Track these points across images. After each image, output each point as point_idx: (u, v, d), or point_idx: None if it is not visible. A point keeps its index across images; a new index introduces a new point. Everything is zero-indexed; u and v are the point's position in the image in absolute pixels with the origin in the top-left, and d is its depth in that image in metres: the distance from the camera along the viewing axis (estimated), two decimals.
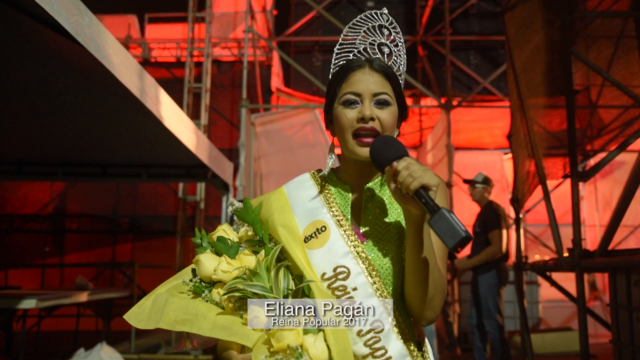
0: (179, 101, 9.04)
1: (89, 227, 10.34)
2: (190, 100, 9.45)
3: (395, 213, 1.39)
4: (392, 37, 1.44)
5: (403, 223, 1.36)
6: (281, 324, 1.21)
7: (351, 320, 1.29)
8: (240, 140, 7.73)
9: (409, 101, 9.62)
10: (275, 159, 8.61)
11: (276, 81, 10.18)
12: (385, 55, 1.42)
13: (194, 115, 9.41)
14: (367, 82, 1.36)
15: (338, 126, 1.38)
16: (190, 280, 1.37)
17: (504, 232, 5.37)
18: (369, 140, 1.33)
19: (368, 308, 1.30)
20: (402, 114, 1.43)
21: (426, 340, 1.42)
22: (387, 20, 1.44)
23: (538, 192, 4.76)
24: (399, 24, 1.42)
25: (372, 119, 1.34)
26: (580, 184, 4.34)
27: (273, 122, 8.73)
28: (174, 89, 9.22)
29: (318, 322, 1.22)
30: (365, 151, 1.33)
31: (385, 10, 1.45)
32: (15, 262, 10.09)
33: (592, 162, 5.16)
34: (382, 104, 1.36)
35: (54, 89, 3.75)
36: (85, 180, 7.32)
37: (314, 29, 10.91)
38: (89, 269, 9.78)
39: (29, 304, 4.35)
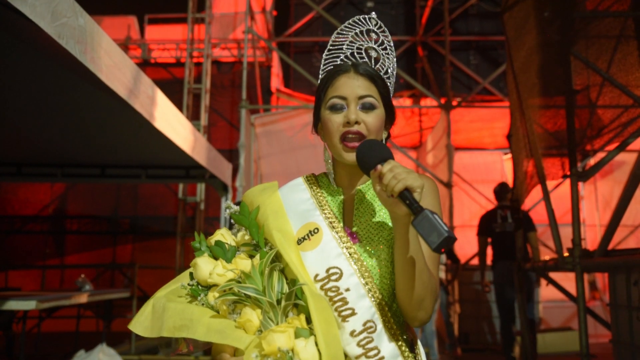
0: (178, 102, 9.04)
1: (90, 228, 10.35)
2: (190, 101, 9.45)
3: (386, 214, 1.41)
4: (380, 40, 1.45)
5: None
6: (273, 326, 1.22)
7: (344, 320, 1.30)
8: (240, 141, 7.74)
9: (408, 101, 9.63)
10: (276, 160, 8.62)
11: (276, 82, 10.18)
12: (373, 59, 1.44)
13: (194, 116, 9.41)
14: (352, 85, 1.37)
15: (326, 131, 1.40)
16: (188, 284, 1.38)
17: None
18: (355, 144, 1.34)
19: (360, 308, 1.31)
20: (390, 117, 1.44)
21: (419, 342, 1.44)
22: (376, 25, 1.46)
23: (538, 192, 4.76)
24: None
25: (357, 122, 1.35)
26: (580, 184, 4.34)
27: (273, 123, 8.74)
28: (174, 90, 9.23)
29: (309, 325, 1.23)
30: (351, 156, 1.35)
31: (374, 15, 1.46)
32: (16, 264, 10.10)
33: (592, 161, 5.16)
34: (367, 108, 1.37)
35: (53, 91, 3.76)
36: (85, 181, 7.32)
37: (314, 29, 10.91)
38: (90, 270, 9.77)
39: (29, 305, 4.35)
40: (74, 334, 7.01)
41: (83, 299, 5.40)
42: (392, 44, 1.47)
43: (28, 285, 9.59)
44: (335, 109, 1.38)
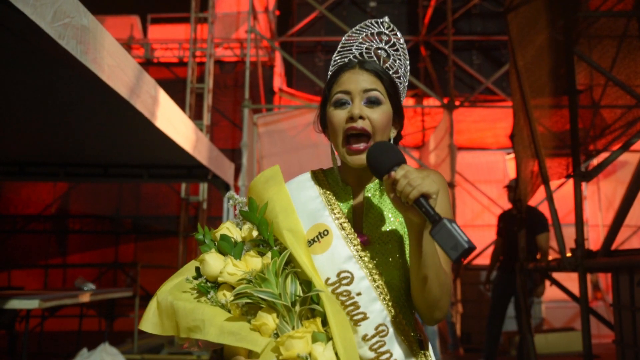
0: (181, 102, 9.05)
1: (92, 228, 10.36)
2: (192, 100, 9.46)
3: (397, 215, 1.38)
4: (391, 42, 1.43)
5: (405, 225, 1.36)
6: (289, 330, 1.20)
7: (356, 325, 1.29)
8: (243, 141, 7.74)
9: (411, 101, 9.62)
10: (278, 160, 8.61)
11: (279, 81, 10.18)
12: (382, 59, 1.42)
13: (197, 115, 9.41)
14: (356, 80, 1.35)
15: (330, 128, 1.37)
16: (195, 278, 1.35)
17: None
18: (359, 147, 1.32)
19: (372, 312, 1.30)
20: (398, 114, 1.41)
21: (429, 342, 1.43)
22: (388, 28, 1.43)
23: (541, 192, 4.75)
24: (402, 24, 1.44)
25: (361, 117, 1.32)
26: (583, 184, 4.33)
27: (276, 123, 8.74)
28: (177, 90, 9.23)
29: (325, 328, 1.21)
30: (355, 159, 1.32)
31: (387, 19, 1.44)
32: (19, 263, 10.11)
33: (595, 162, 5.15)
34: (372, 102, 1.34)
35: (56, 90, 3.76)
36: (87, 180, 7.34)
37: (317, 29, 10.90)
38: (92, 269, 9.79)
39: (31, 304, 4.35)
40: (76, 333, 7.01)
41: (86, 298, 5.41)
42: (404, 46, 1.44)
43: (31, 285, 9.60)
44: (339, 104, 1.35)
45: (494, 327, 5.74)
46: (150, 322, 1.35)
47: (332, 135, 1.37)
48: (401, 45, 1.44)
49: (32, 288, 8.97)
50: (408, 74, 1.45)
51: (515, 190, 5.82)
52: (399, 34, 1.44)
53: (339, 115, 1.34)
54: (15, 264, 10.04)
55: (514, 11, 4.80)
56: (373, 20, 1.44)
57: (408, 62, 1.45)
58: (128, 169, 6.38)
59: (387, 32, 1.43)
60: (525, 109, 4.57)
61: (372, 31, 1.44)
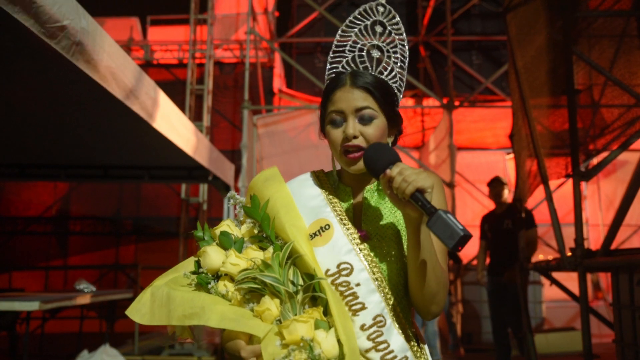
0: (181, 103, 9.05)
1: (93, 229, 10.37)
2: (192, 102, 9.47)
3: (394, 213, 1.43)
4: (386, 32, 1.45)
5: (402, 222, 1.40)
6: (293, 317, 1.22)
7: (354, 315, 1.33)
8: (243, 142, 7.75)
9: (411, 101, 9.62)
10: (278, 160, 8.62)
11: (278, 82, 10.19)
12: (375, 61, 1.44)
13: (197, 117, 9.42)
14: (348, 99, 1.38)
15: (329, 143, 1.43)
16: (193, 273, 1.36)
17: None
18: (357, 155, 1.36)
19: (370, 303, 1.33)
20: (393, 123, 1.44)
21: (425, 341, 1.46)
22: (384, 13, 1.46)
23: (541, 192, 4.75)
24: None
25: (355, 136, 1.37)
26: (583, 184, 4.34)
27: (275, 124, 8.75)
28: (176, 91, 9.24)
29: (328, 320, 1.23)
30: (355, 168, 1.38)
31: (383, 0, 1.46)
32: (19, 265, 10.12)
33: (595, 161, 5.15)
34: (365, 119, 1.38)
35: (56, 92, 3.77)
36: (88, 181, 7.36)
37: (316, 30, 10.92)
38: (93, 270, 9.80)
39: (32, 306, 4.36)
40: (77, 335, 7.02)
41: (86, 299, 5.41)
42: (402, 31, 1.46)
43: (31, 286, 9.62)
44: (335, 124, 1.40)
45: (501, 336, 5.53)
46: (138, 312, 1.36)
47: (332, 149, 1.43)
48: (398, 31, 1.46)
49: (32, 290, 8.98)
50: (407, 60, 1.47)
51: (496, 188, 5.75)
52: (396, 18, 1.46)
53: (335, 134, 1.40)
54: (16, 265, 10.05)
55: (513, 11, 4.81)
56: (368, 7, 1.46)
57: (407, 48, 1.47)
58: (128, 170, 6.40)
59: (383, 20, 1.46)
60: (525, 108, 4.57)
61: (366, 23, 1.45)
